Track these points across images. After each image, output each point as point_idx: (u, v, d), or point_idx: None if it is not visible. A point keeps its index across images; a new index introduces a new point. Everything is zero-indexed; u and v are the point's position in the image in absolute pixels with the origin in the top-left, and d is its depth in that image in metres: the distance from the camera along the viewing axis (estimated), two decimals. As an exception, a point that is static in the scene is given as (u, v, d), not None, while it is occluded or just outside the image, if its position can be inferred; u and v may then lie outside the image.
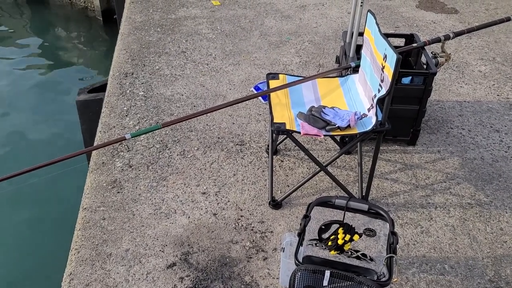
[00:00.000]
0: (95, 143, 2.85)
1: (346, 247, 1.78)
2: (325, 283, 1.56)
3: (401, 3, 4.77)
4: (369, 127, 2.17)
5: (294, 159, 2.75)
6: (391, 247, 1.67)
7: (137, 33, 4.06)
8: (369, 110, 2.26)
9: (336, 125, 2.18)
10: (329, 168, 2.47)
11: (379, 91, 2.13)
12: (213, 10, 4.52)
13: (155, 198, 2.47)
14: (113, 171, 2.64)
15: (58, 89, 6.53)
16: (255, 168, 2.68)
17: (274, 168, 2.66)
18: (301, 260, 1.68)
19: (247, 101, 3.18)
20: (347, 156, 2.78)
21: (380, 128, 2.15)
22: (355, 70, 2.57)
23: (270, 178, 2.44)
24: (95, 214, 2.37)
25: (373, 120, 2.17)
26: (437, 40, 2.70)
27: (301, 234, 1.73)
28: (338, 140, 2.80)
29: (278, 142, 2.79)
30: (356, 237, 1.77)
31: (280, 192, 2.51)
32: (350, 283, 1.55)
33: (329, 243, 1.79)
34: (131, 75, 3.50)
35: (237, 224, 2.33)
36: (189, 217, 2.37)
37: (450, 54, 2.81)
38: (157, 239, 2.25)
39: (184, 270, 2.10)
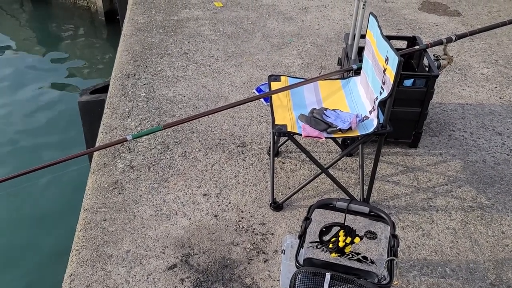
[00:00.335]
0: (97, 144, 2.85)
1: (347, 250, 1.78)
2: (326, 285, 1.56)
3: (403, 5, 4.76)
4: (371, 130, 2.16)
5: (295, 161, 2.75)
6: (392, 250, 1.67)
7: (139, 34, 4.07)
8: (370, 112, 2.25)
9: (338, 127, 2.18)
10: (330, 171, 2.47)
11: (380, 93, 2.12)
12: (216, 12, 4.53)
13: (156, 200, 2.47)
14: (114, 172, 2.64)
15: (60, 90, 6.55)
16: (256, 170, 2.68)
17: (275, 170, 2.66)
18: (301, 263, 1.68)
19: (248, 103, 3.19)
20: (349, 159, 2.78)
21: (382, 130, 2.15)
22: (357, 72, 2.57)
23: (271, 180, 2.45)
24: (96, 215, 2.37)
25: (375, 123, 2.17)
26: (440, 42, 2.69)
27: (302, 236, 1.73)
28: (340, 142, 2.79)
29: (279, 144, 2.79)
30: (357, 239, 1.76)
31: (281, 194, 2.51)
32: (351, 285, 1.55)
33: (330, 246, 1.79)
34: (133, 76, 3.50)
35: (238, 226, 2.33)
36: (190, 218, 2.37)
37: (452, 56, 2.81)
38: (158, 241, 2.25)
39: (184, 272, 2.10)
